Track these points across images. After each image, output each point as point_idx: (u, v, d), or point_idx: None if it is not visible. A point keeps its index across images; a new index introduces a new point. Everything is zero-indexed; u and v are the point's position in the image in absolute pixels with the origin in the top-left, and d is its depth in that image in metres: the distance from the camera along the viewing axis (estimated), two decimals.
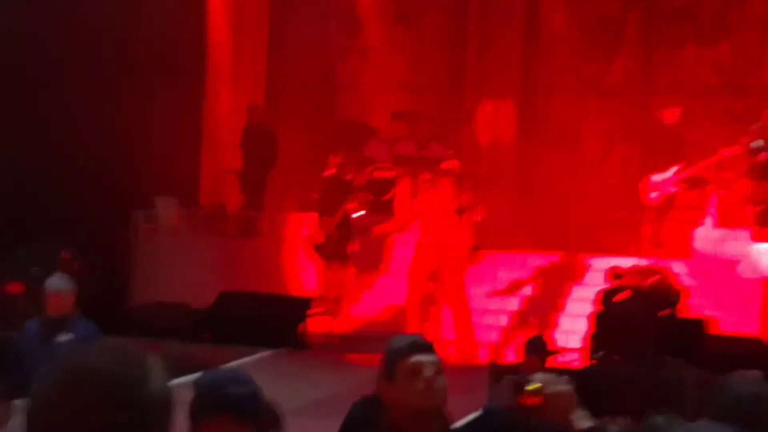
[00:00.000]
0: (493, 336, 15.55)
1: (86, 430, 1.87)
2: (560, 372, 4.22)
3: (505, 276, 16.67)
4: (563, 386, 3.72)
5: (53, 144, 16.08)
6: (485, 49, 19.72)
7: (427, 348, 4.30)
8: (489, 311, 15.75)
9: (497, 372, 10.76)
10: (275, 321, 15.09)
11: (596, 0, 19.90)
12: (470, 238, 15.53)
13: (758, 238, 15.02)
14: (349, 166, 17.69)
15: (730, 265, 15.70)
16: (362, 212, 17.33)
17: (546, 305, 16.13)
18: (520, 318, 15.97)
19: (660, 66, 19.49)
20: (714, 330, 14.11)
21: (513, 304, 16.25)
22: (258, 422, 4.04)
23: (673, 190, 16.55)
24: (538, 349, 8.97)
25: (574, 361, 14.26)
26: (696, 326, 13.90)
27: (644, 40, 19.67)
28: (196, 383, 4.08)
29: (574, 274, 16.57)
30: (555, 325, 15.74)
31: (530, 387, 3.71)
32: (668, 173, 16.51)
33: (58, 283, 9.55)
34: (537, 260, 16.91)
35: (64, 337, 9.14)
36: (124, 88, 16.82)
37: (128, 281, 17.62)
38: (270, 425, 4.51)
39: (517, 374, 7.77)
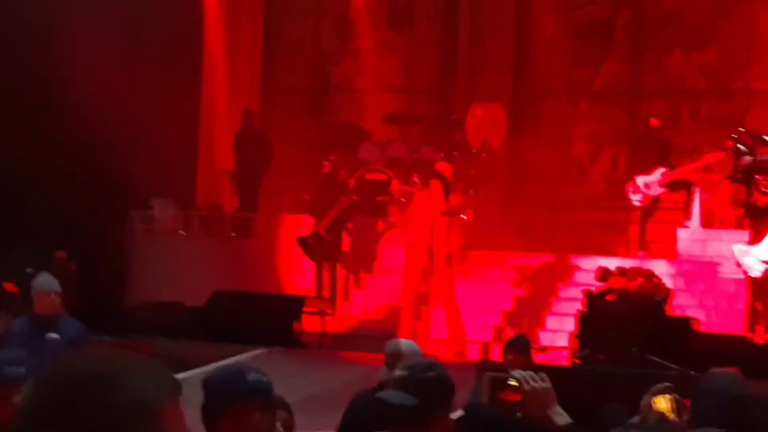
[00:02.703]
0: (483, 334, 15.74)
1: None
2: (540, 369, 4.28)
3: (494, 276, 16.85)
4: (541, 383, 3.75)
5: (51, 145, 16.20)
6: (476, 54, 19.82)
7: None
8: (479, 310, 15.93)
9: (485, 370, 10.95)
10: (269, 319, 15.21)
11: (585, 5, 20.05)
12: (460, 239, 15.71)
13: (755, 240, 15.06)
14: (341, 167, 17.86)
15: (713, 265, 15.93)
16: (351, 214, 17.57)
17: (535, 305, 16.27)
18: (510, 317, 16.14)
19: (648, 70, 19.65)
20: (698, 329, 14.30)
21: (502, 303, 16.41)
22: (275, 410, 4.24)
23: (658, 192, 16.70)
24: (520, 348, 9.19)
25: (561, 359, 14.47)
26: (682, 325, 14.05)
27: (632, 45, 19.79)
28: (207, 381, 4.19)
29: (563, 275, 16.74)
30: (543, 324, 15.93)
31: (509, 383, 3.74)
32: (654, 176, 16.66)
33: (43, 283, 9.66)
34: (526, 261, 17.09)
35: (51, 336, 9.25)
36: (122, 90, 16.96)
37: (125, 281, 17.72)
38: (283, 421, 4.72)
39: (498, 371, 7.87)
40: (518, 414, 3.82)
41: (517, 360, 8.83)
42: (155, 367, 1.96)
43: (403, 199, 16.21)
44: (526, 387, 3.75)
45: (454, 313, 15.16)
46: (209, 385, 4.17)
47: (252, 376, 4.14)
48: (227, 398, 4.09)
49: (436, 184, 15.09)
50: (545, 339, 15.49)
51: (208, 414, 4.12)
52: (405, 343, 7.79)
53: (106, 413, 1.87)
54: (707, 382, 4.75)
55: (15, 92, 16.49)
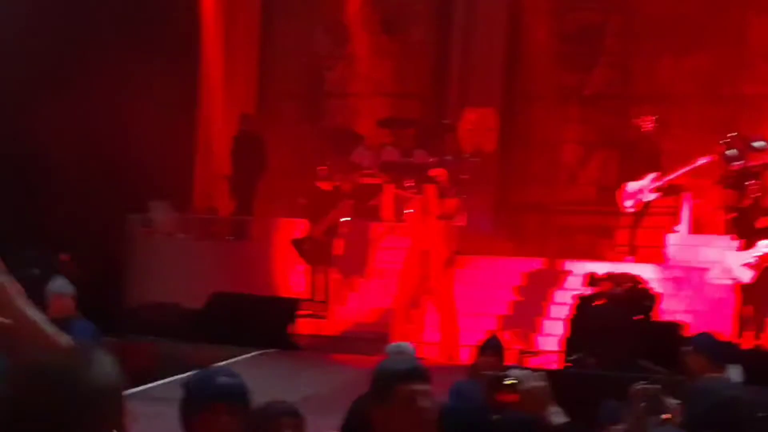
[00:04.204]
0: (475, 338, 15.85)
1: (26, 419, 2.02)
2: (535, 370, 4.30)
3: (485, 281, 17.02)
4: (538, 382, 3.79)
5: (51, 150, 16.32)
6: (469, 59, 19.92)
7: (424, 376, 4.11)
8: (470, 314, 16.05)
9: (477, 372, 11.09)
10: (265, 322, 15.37)
11: (577, 10, 20.18)
12: (453, 243, 15.88)
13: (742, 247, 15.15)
14: (336, 172, 18.02)
15: (701, 270, 16.06)
16: (348, 218, 17.73)
17: (526, 309, 16.39)
18: (502, 321, 16.26)
19: (638, 75, 19.77)
20: (685, 334, 14.43)
21: (494, 307, 16.51)
22: (247, 412, 4.31)
23: (649, 197, 16.80)
24: (494, 350, 9.32)
25: (551, 363, 14.63)
26: (670, 330, 14.18)
27: (623, 50, 19.91)
28: (185, 382, 4.35)
29: (553, 279, 16.85)
30: (535, 328, 16.07)
31: (506, 383, 3.77)
32: (644, 181, 16.76)
33: (59, 285, 9.94)
34: (517, 265, 17.23)
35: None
36: (120, 94, 17.08)
37: (124, 283, 17.89)
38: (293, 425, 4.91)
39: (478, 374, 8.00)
40: (513, 413, 3.91)
41: (491, 361, 8.95)
42: (112, 360, 2.08)
43: (396, 204, 16.39)
44: (523, 386, 3.80)
45: (450, 317, 15.29)
46: (185, 387, 4.33)
47: (222, 380, 4.27)
48: (198, 400, 4.22)
49: (430, 189, 15.26)
50: (539, 343, 15.64)
51: (182, 415, 4.28)
52: (403, 345, 8.02)
53: (74, 400, 2.00)
54: (698, 386, 4.83)
55: (12, 97, 16.62)
